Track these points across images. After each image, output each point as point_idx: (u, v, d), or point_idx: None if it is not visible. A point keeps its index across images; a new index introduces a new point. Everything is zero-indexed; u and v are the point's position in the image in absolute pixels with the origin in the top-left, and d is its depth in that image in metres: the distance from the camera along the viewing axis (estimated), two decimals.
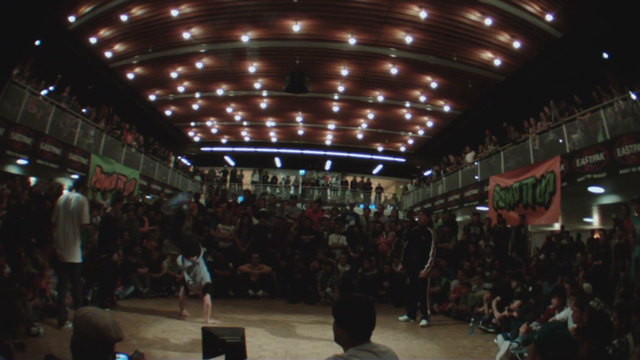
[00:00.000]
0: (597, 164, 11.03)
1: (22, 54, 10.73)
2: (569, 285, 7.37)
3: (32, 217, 9.80)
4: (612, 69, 12.53)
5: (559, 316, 6.70)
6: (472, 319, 8.24)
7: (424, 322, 8.49)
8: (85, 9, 15.38)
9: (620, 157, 10.34)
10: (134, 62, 19.75)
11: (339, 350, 2.48)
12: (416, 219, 10.78)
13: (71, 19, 15.55)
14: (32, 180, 14.63)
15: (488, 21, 15.14)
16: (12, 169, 13.36)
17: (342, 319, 2.51)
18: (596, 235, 12.04)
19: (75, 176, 14.83)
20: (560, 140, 13.01)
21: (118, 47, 18.37)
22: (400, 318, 8.79)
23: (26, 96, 12.71)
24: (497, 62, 17.40)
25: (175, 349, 5.93)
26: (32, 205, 10.21)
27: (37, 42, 12.95)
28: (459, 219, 17.51)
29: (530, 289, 8.34)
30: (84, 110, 16.15)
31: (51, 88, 14.63)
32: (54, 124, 13.89)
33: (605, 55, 13.65)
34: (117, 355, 2.39)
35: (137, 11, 15.99)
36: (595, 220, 14.67)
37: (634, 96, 10.68)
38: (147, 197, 18.66)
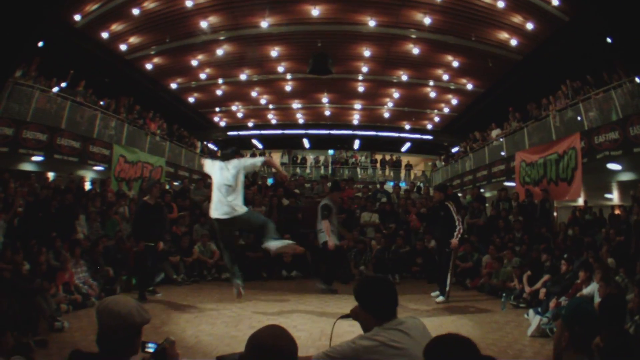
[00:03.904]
0: (613, 142, 11.12)
1: (23, 56, 10.55)
2: (594, 260, 7.48)
3: (52, 211, 9.86)
4: (617, 55, 12.43)
5: (585, 291, 6.81)
6: (504, 294, 8.32)
7: (440, 298, 8.33)
8: (91, 7, 15.31)
9: (633, 135, 10.44)
10: (152, 52, 19.71)
11: None
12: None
13: (77, 17, 15.42)
14: (51, 175, 14.64)
15: (500, 3, 15.12)
16: (27, 167, 13.46)
17: (366, 302, 2.61)
18: (617, 211, 12.09)
19: (98, 168, 15.07)
20: (579, 118, 13.03)
21: (133, 40, 18.32)
22: (433, 294, 8.64)
23: (36, 95, 12.76)
24: (514, 42, 17.32)
25: (207, 334, 5.88)
26: (52, 200, 10.22)
27: (40, 44, 12.60)
28: (487, 194, 17.69)
29: (561, 262, 8.37)
30: (101, 103, 16.15)
31: (63, 84, 14.53)
32: (70, 118, 13.97)
33: (609, 40, 13.57)
34: (147, 345, 2.34)
35: (149, 4, 15.95)
36: (615, 197, 14.66)
37: (638, 80, 10.72)
38: (175, 183, 18.92)
